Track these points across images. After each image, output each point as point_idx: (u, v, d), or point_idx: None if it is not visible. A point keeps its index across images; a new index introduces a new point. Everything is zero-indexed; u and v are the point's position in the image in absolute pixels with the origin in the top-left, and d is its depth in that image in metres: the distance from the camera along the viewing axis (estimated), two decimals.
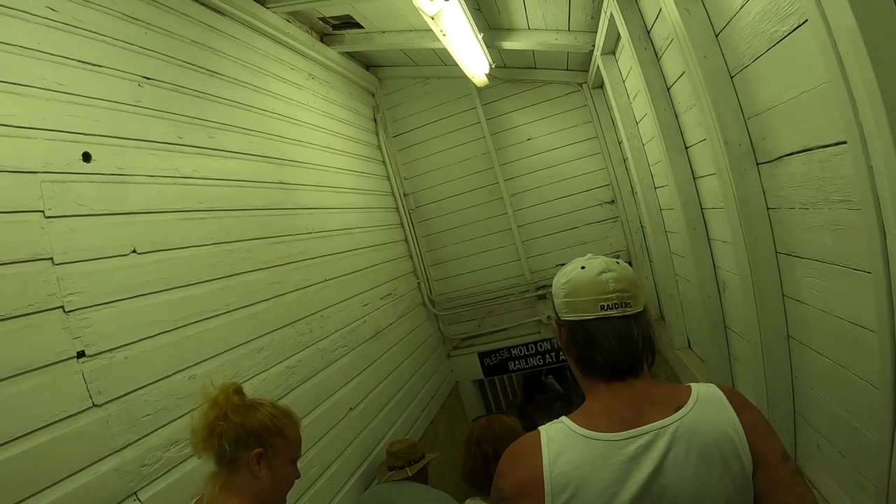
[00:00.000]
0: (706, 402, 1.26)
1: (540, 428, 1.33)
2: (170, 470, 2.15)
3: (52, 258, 1.91)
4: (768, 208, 2.04)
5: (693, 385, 1.32)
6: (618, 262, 1.37)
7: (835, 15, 1.19)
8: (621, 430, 1.23)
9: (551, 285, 1.48)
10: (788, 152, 1.76)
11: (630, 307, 1.31)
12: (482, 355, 5.97)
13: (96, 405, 1.93)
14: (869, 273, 1.37)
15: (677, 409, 1.24)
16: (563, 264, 1.48)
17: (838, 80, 1.25)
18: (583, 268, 1.37)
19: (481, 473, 2.83)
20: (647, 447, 1.19)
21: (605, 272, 1.33)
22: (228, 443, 1.72)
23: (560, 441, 1.26)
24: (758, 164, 2.03)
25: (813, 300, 1.85)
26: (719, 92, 2.06)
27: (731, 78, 2.04)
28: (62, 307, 1.90)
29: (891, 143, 1.11)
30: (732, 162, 2.05)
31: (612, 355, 1.30)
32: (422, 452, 3.60)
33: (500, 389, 7.32)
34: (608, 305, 1.30)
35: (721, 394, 1.28)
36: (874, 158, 1.19)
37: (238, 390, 1.86)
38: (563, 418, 1.32)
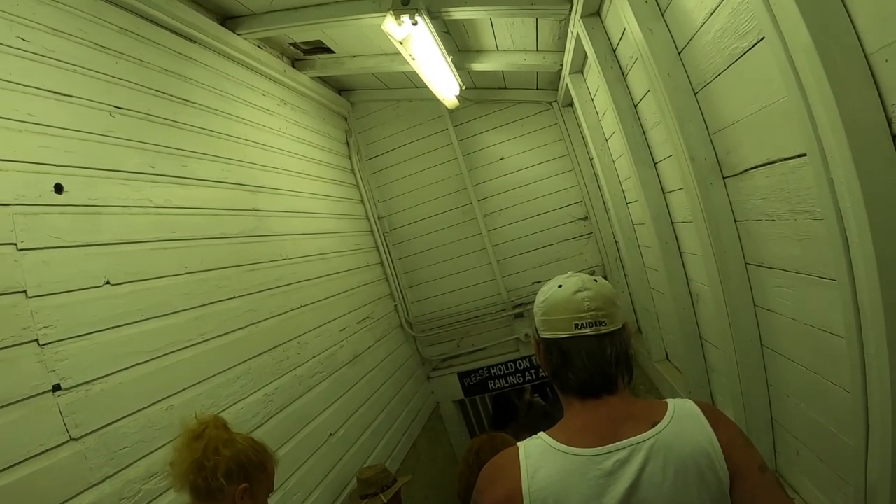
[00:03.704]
0: (682, 418, 1.27)
1: (518, 444, 1.35)
2: (149, 503, 2.12)
3: (25, 291, 1.89)
4: (736, 221, 2.08)
5: (670, 401, 1.33)
6: (595, 281, 1.38)
7: (791, 32, 1.23)
8: (598, 446, 1.24)
9: (531, 299, 1.50)
10: (753, 165, 1.80)
11: (605, 325, 1.32)
12: (462, 375, 5.96)
13: (73, 439, 1.90)
14: (835, 280, 1.40)
15: (654, 425, 1.25)
16: (539, 282, 1.49)
17: (796, 95, 1.29)
18: (560, 286, 1.38)
19: None
20: (624, 462, 1.21)
21: (580, 291, 1.34)
22: (222, 476, 1.73)
23: (538, 456, 1.28)
24: (724, 177, 2.07)
25: (783, 309, 1.89)
26: (684, 108, 2.10)
27: (695, 94, 2.09)
28: (37, 340, 1.88)
29: (849, 156, 1.15)
30: (699, 176, 2.10)
31: (584, 374, 1.31)
32: (394, 477, 3.57)
33: (483, 409, 7.30)
34: (582, 324, 1.31)
35: (697, 409, 1.30)
36: (834, 170, 1.23)
37: (225, 424, 1.87)
38: (541, 434, 1.34)
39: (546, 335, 1.38)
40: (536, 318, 1.43)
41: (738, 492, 1.20)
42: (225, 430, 1.86)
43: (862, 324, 1.30)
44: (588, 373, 1.31)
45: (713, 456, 1.20)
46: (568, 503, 1.20)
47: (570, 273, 1.45)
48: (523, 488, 1.24)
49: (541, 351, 1.43)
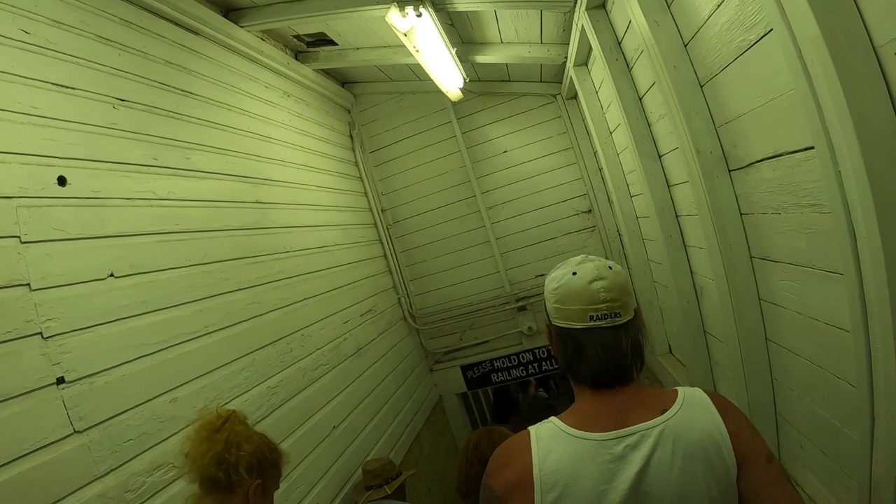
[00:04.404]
0: (691, 406, 1.27)
1: (529, 428, 1.35)
2: (154, 495, 2.12)
3: (29, 284, 1.90)
4: (741, 214, 2.07)
5: (679, 388, 1.33)
6: (610, 268, 1.35)
7: (799, 24, 1.22)
8: (609, 430, 1.24)
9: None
10: (759, 158, 1.79)
11: (620, 317, 1.30)
12: (465, 368, 5.97)
13: (77, 431, 1.90)
14: (841, 275, 1.40)
15: (663, 412, 1.26)
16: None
17: (804, 88, 1.28)
18: (574, 274, 1.34)
19: (478, 479, 2.82)
20: (634, 447, 1.21)
21: (596, 280, 1.31)
22: (244, 470, 1.77)
23: (549, 440, 1.28)
24: (730, 170, 2.06)
25: (788, 303, 1.88)
26: (690, 101, 2.09)
27: (701, 87, 2.08)
28: (40, 333, 1.88)
29: (857, 148, 1.14)
30: (704, 169, 2.08)
31: (598, 366, 1.30)
32: (399, 469, 3.58)
33: (486, 402, 7.32)
34: (597, 316, 1.29)
35: (707, 398, 1.30)
36: (841, 163, 1.23)
37: (245, 419, 1.92)
38: (553, 418, 1.34)
39: (559, 324, 1.37)
40: (548, 304, 1.41)
41: (744, 480, 1.20)
42: (245, 426, 1.90)
43: (868, 318, 1.30)
44: (602, 365, 1.30)
45: (721, 443, 1.21)
46: (578, 486, 1.21)
47: (583, 257, 1.42)
48: (534, 471, 1.24)
49: (553, 338, 1.42)
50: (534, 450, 1.28)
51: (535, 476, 1.24)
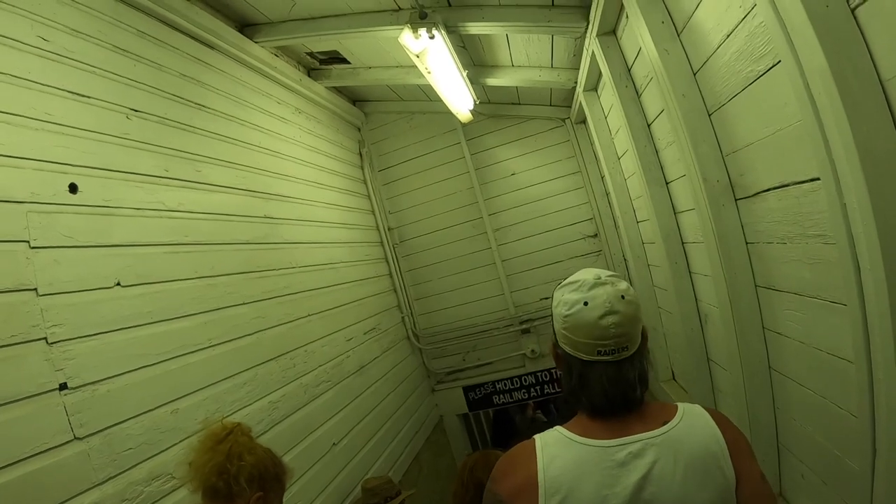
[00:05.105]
0: (691, 417, 1.29)
1: (535, 436, 1.36)
2: None
3: (36, 289, 1.91)
4: (747, 243, 2.08)
5: (679, 404, 1.34)
6: (623, 297, 1.31)
7: (807, 56, 1.24)
8: (612, 438, 1.26)
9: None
10: (766, 188, 1.80)
11: (627, 350, 1.30)
12: (467, 389, 5.95)
13: (78, 438, 1.90)
14: (845, 305, 1.40)
15: (665, 423, 1.27)
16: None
17: (811, 119, 1.29)
18: (585, 304, 1.31)
19: (474, 502, 2.79)
20: (636, 455, 1.22)
21: (608, 314, 1.28)
22: (244, 481, 1.77)
23: (554, 446, 1.30)
24: (736, 199, 2.07)
25: (792, 332, 1.88)
26: (698, 129, 2.10)
27: (710, 115, 2.09)
28: (45, 338, 1.89)
29: (862, 181, 1.15)
30: (711, 197, 2.09)
31: (599, 399, 1.31)
32: (398, 489, 3.54)
33: (486, 423, 7.27)
34: (605, 351, 1.29)
35: (706, 413, 1.31)
36: (847, 195, 1.23)
37: (250, 432, 1.92)
38: (557, 427, 1.36)
39: (567, 350, 1.36)
40: (556, 326, 1.39)
41: (739, 495, 1.21)
42: (249, 438, 1.90)
43: (871, 349, 1.30)
44: (606, 398, 1.30)
45: (720, 455, 1.22)
46: (582, 491, 1.22)
47: (594, 277, 1.36)
48: (539, 476, 1.26)
49: (559, 360, 1.42)
50: (539, 455, 1.29)
51: (539, 480, 1.25)
